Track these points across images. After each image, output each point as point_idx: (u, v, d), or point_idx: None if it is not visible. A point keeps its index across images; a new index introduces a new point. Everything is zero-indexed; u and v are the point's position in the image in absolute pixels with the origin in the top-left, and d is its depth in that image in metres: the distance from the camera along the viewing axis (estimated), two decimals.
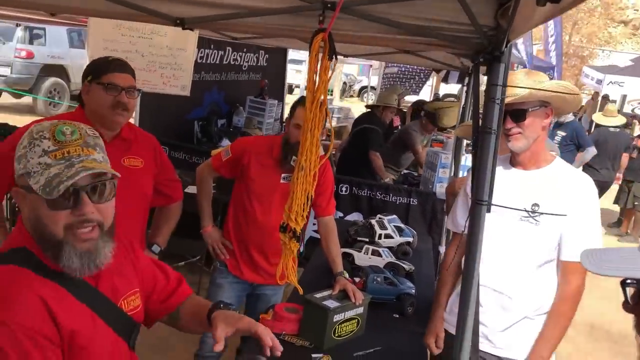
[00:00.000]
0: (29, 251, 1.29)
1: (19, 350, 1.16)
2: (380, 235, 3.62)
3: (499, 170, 2.29)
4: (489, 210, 1.75)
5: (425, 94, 12.89)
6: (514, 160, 2.33)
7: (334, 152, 7.08)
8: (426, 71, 12.49)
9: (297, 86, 16.12)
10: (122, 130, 2.37)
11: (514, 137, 2.21)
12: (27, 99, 11.74)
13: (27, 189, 1.26)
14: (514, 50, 10.94)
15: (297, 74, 15.11)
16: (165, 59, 4.98)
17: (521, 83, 2.16)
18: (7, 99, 12.20)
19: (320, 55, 1.68)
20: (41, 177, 1.24)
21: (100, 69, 2.27)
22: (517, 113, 2.18)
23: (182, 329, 1.68)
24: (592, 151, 7.79)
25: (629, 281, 0.93)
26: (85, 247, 1.28)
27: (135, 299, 1.48)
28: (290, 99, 8.06)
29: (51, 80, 11.51)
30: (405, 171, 6.44)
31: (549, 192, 2.20)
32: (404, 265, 3.15)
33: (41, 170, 1.25)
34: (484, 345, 2.28)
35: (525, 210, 2.19)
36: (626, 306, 0.98)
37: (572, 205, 2.16)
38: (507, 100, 2.17)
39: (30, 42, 11.37)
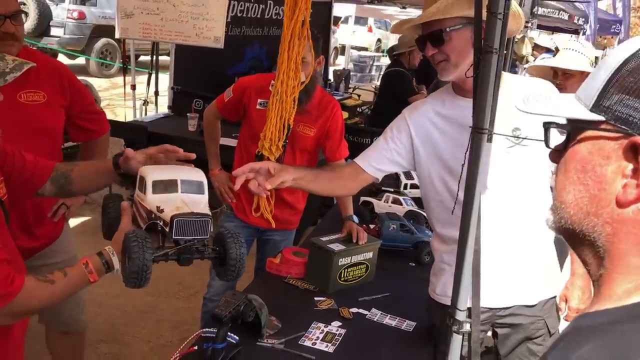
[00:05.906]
0: None
1: None
2: (405, 185, 3.48)
3: (445, 104, 1.96)
4: (489, 140, 1.57)
5: None
6: (461, 90, 1.91)
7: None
8: None
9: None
10: None
11: (440, 66, 1.86)
12: (80, 60, 11.97)
13: None
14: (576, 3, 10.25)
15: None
16: (197, 9, 4.88)
17: None
18: (62, 59, 12.52)
19: None
20: None
21: None
22: (434, 36, 1.83)
23: (76, 191, 1.75)
24: None
25: (554, 122, 0.76)
26: None
27: (2, 187, 1.53)
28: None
29: (102, 40, 11.63)
30: None
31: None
32: (424, 214, 2.99)
33: None
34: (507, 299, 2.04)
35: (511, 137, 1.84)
36: (551, 155, 0.79)
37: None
38: (419, 21, 1.86)
39: (82, 3, 11.47)
